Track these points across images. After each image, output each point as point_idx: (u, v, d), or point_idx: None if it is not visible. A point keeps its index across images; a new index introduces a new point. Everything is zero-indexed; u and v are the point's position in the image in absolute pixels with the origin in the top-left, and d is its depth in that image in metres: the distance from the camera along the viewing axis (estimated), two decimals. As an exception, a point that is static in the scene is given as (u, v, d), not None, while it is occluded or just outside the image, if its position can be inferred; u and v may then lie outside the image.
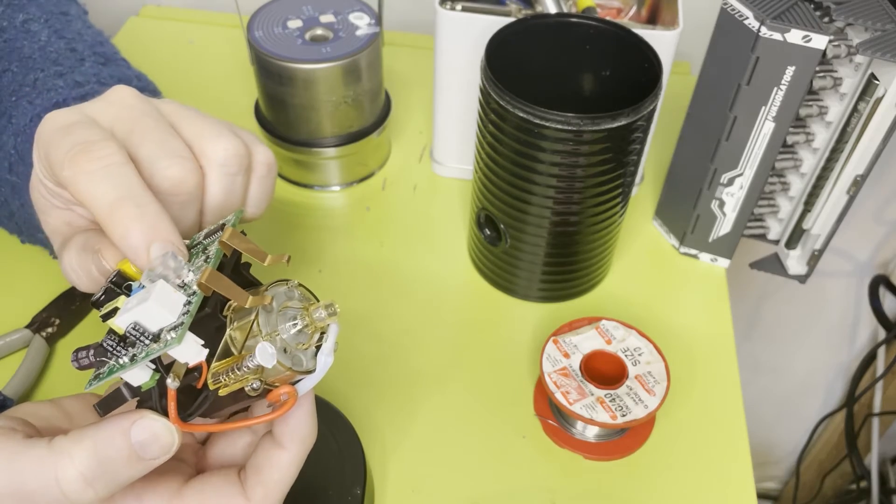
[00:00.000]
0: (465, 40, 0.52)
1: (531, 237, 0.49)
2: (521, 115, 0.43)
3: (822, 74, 0.46)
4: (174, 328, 0.28)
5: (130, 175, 0.31)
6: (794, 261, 0.56)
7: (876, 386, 0.96)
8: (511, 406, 0.48)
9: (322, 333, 0.31)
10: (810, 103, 0.48)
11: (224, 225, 0.32)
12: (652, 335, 0.49)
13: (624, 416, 0.44)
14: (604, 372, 0.46)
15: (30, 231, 0.48)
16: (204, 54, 0.73)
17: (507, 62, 0.46)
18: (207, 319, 0.29)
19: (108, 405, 0.30)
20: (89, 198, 0.31)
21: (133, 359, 0.28)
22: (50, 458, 0.28)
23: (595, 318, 0.49)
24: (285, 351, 0.29)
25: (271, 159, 0.37)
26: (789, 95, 0.46)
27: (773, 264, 0.57)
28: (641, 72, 0.46)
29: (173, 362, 0.29)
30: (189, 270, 0.30)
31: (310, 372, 0.30)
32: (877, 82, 0.44)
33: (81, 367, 0.30)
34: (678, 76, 0.69)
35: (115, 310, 0.29)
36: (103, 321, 0.30)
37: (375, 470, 0.45)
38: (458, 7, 0.53)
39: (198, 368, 0.29)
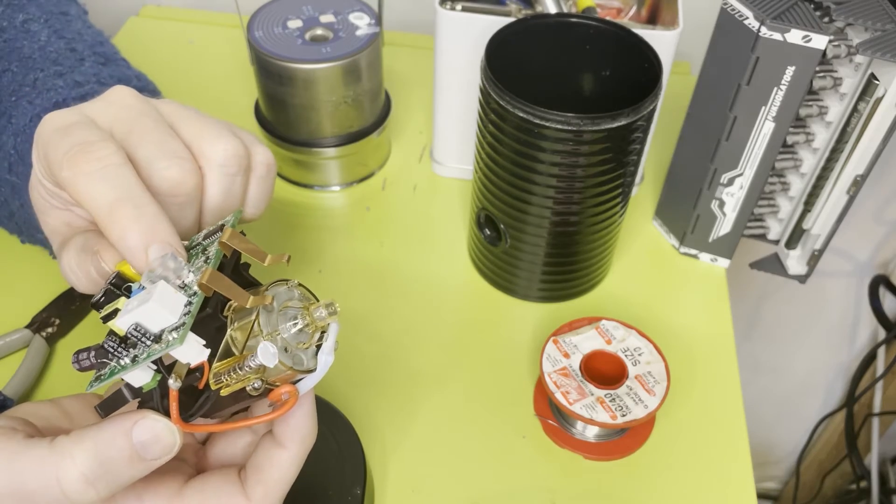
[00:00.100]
0: (465, 40, 0.52)
1: (531, 237, 0.49)
2: (521, 115, 0.43)
3: (822, 74, 0.46)
4: (175, 329, 0.28)
5: (129, 176, 0.31)
6: (794, 261, 0.56)
7: (876, 386, 0.96)
8: (511, 406, 0.48)
9: (322, 333, 0.31)
10: (810, 103, 0.48)
11: (223, 226, 0.32)
12: (652, 335, 0.50)
13: (624, 416, 0.44)
14: (604, 372, 0.46)
15: (30, 231, 0.48)
16: (204, 54, 0.73)
17: (507, 62, 0.46)
18: (208, 320, 0.29)
19: (109, 406, 0.30)
20: (88, 199, 0.31)
21: (134, 360, 0.28)
22: (51, 458, 0.28)
23: (595, 318, 0.49)
24: (286, 350, 0.29)
25: (271, 160, 0.37)
26: (789, 95, 0.46)
27: (773, 264, 0.57)
28: (641, 72, 0.46)
29: (174, 363, 0.29)
30: (189, 271, 0.30)
31: (311, 371, 0.30)
32: (877, 82, 0.44)
33: (82, 369, 0.30)
34: (678, 76, 0.69)
35: (116, 311, 0.29)
36: (104, 322, 0.30)
37: (375, 470, 0.45)
38: (458, 7, 0.53)
39: (199, 369, 0.29)
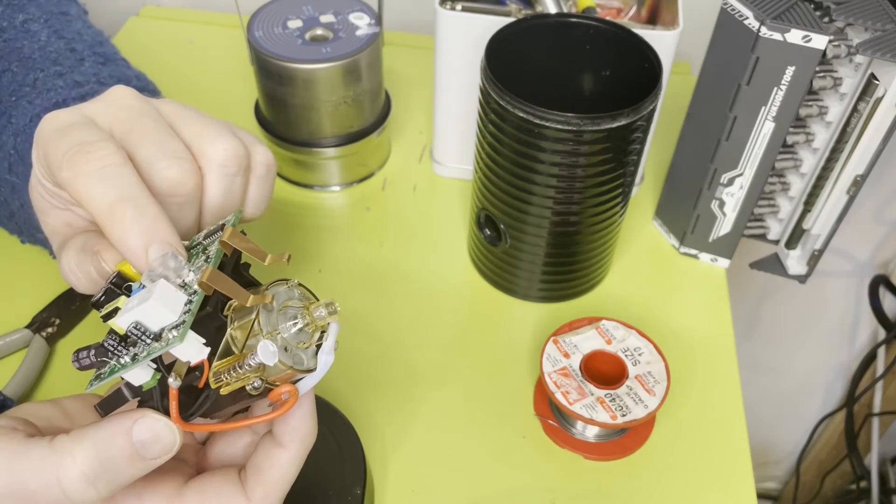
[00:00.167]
0: (465, 40, 0.52)
1: (531, 237, 0.49)
2: (521, 115, 0.43)
3: (822, 74, 0.46)
4: (176, 327, 0.28)
5: (129, 176, 0.31)
6: (794, 261, 0.56)
7: (876, 386, 0.96)
8: (511, 406, 0.48)
9: (322, 332, 0.31)
10: (810, 103, 0.48)
11: (224, 225, 0.32)
12: (652, 335, 0.50)
13: (624, 416, 0.44)
14: (604, 372, 0.46)
15: (30, 231, 0.48)
16: (204, 54, 0.73)
17: (507, 62, 0.46)
18: (208, 319, 0.29)
19: (109, 405, 0.30)
20: (87, 199, 0.31)
21: (134, 358, 0.28)
22: (51, 457, 0.28)
23: (595, 318, 0.49)
24: (286, 350, 0.29)
25: (270, 159, 0.37)
26: (789, 95, 0.46)
27: (773, 264, 0.57)
28: (641, 72, 0.46)
29: (174, 362, 0.29)
30: (189, 270, 0.30)
31: (311, 370, 0.30)
32: (877, 82, 0.44)
33: (82, 368, 0.30)
34: (678, 76, 0.69)
35: (116, 310, 0.29)
36: (104, 321, 0.30)
37: (375, 470, 0.45)
38: (458, 7, 0.53)
39: (199, 368, 0.29)
